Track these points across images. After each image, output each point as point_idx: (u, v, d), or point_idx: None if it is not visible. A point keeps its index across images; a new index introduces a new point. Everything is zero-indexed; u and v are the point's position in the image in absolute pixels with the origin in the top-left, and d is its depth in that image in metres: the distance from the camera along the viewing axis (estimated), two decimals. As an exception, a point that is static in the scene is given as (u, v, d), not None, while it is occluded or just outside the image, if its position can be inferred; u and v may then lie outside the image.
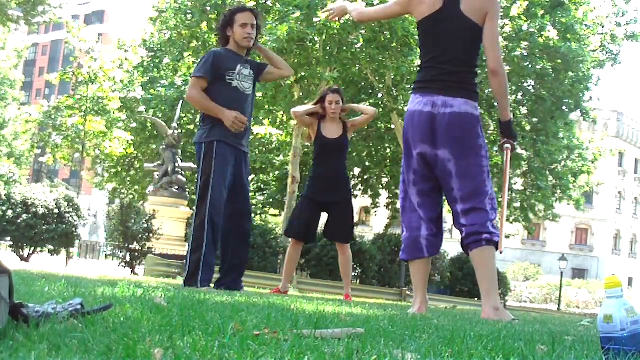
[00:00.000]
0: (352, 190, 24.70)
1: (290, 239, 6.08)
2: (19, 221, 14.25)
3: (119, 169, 27.66)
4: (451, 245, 14.96)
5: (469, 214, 3.45)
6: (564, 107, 20.07)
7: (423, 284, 3.66)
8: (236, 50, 4.96)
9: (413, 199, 3.59)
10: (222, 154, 4.74)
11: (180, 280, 6.71)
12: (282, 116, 22.30)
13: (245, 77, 4.92)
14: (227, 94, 4.81)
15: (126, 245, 13.63)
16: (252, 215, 5.10)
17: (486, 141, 3.68)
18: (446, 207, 4.76)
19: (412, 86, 3.68)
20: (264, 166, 23.10)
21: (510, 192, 22.06)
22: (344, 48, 16.21)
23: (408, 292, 14.83)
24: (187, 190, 18.37)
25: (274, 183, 24.44)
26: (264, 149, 23.08)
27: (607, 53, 21.17)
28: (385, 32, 15.62)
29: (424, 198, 3.57)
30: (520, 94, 20.26)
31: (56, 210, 14.70)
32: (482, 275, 3.45)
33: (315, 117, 6.04)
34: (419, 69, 3.70)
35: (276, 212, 28.52)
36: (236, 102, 4.84)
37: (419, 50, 3.76)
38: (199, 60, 4.98)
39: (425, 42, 3.60)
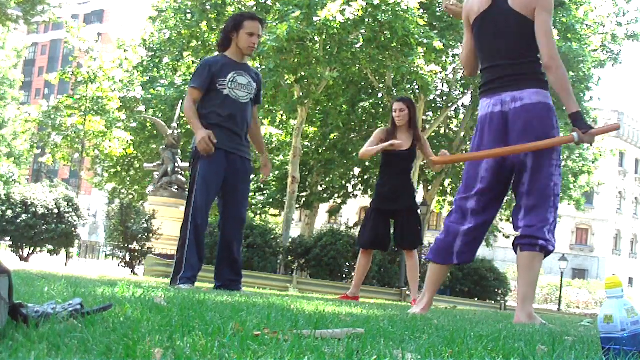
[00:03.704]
0: (353, 190, 24.87)
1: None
2: (18, 221, 14.23)
3: (119, 169, 27.64)
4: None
5: (530, 213, 3.37)
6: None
7: (435, 287, 3.64)
8: (235, 55, 4.93)
9: (469, 204, 3.51)
10: (207, 159, 4.77)
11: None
12: (282, 116, 22.31)
13: (240, 86, 4.87)
14: (218, 102, 4.82)
15: (126, 245, 13.60)
16: (245, 220, 5.10)
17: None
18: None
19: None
20: (264, 166, 23.09)
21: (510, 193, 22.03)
22: (344, 48, 16.19)
23: (408, 292, 14.81)
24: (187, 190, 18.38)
25: (274, 183, 24.44)
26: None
27: (607, 53, 21.19)
28: (385, 32, 15.57)
29: (481, 206, 3.50)
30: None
31: (56, 210, 14.68)
32: (525, 280, 3.36)
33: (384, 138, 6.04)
34: (481, 73, 3.60)
35: (276, 212, 28.51)
36: (227, 110, 4.83)
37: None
38: (195, 69, 5.00)
39: (481, 42, 3.55)
